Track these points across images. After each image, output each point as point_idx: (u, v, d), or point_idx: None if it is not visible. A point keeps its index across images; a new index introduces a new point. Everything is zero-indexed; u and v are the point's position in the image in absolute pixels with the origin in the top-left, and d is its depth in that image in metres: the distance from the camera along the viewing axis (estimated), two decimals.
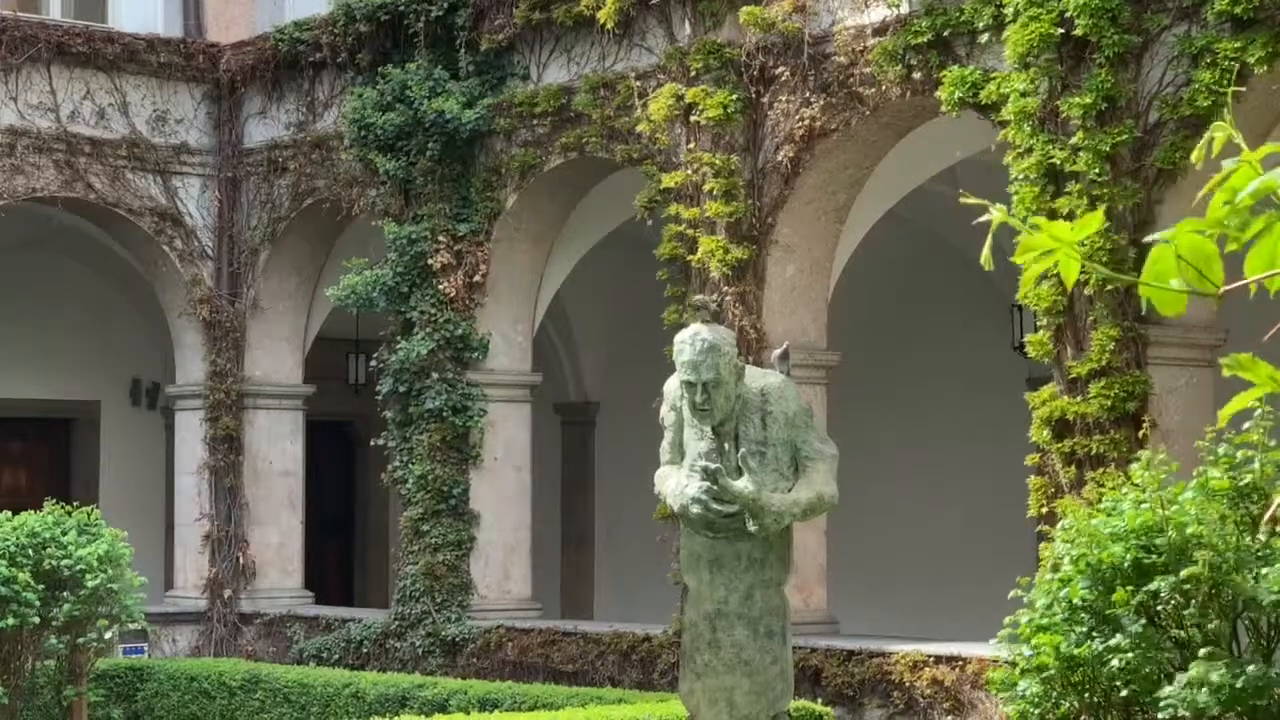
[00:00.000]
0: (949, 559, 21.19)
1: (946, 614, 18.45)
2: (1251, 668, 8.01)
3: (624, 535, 23.72)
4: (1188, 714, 8.09)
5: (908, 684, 14.76)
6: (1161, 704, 8.07)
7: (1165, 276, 2.65)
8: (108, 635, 15.37)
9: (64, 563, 14.92)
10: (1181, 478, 8.98)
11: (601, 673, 16.90)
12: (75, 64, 20.23)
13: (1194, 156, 3.00)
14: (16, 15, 20.41)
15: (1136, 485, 8.73)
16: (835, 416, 16.30)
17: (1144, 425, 13.30)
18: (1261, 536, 7.85)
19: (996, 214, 2.73)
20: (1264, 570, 7.99)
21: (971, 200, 2.84)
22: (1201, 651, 7.98)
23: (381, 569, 25.07)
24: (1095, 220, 2.72)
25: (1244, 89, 12.86)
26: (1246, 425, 8.75)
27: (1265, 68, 12.61)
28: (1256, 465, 8.08)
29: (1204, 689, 7.77)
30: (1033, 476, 13.91)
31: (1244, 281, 2.70)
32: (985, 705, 14.01)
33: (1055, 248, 2.64)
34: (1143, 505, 8.52)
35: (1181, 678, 7.96)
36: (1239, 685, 7.83)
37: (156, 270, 21.30)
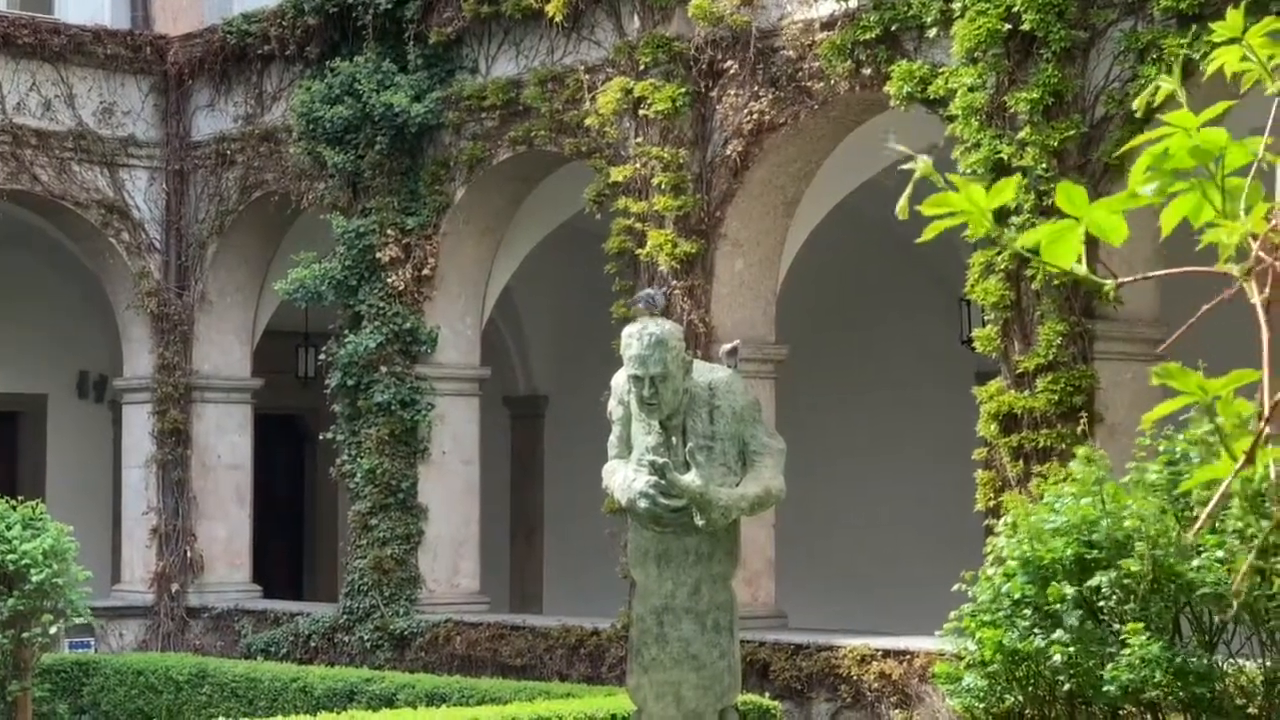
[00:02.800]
0: (897, 553, 21.24)
1: (894, 608, 18.49)
2: (1194, 659, 8.07)
3: (573, 529, 23.72)
4: (1132, 697, 8.15)
5: (855, 678, 14.81)
6: (1105, 682, 8.12)
7: (1067, 249, 2.67)
8: (52, 630, 15.31)
9: (9, 557, 14.88)
10: (1126, 471, 9.03)
11: (550, 667, 16.91)
12: (21, 55, 20.14)
13: (1136, 104, 3.03)
14: None
15: (1077, 480, 8.77)
16: (783, 411, 16.34)
17: (1087, 419, 13.36)
18: (1190, 537, 7.90)
19: (921, 165, 2.76)
20: (1196, 564, 8.04)
21: (897, 148, 2.86)
22: (1144, 636, 8.03)
23: (330, 563, 25.03)
24: (1009, 186, 2.74)
25: (1186, 86, 12.91)
26: (1184, 417, 8.80)
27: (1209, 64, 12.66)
28: (1195, 460, 8.12)
29: (1150, 664, 7.82)
30: (980, 470, 13.97)
31: (1141, 276, 2.73)
32: (932, 699, 14.06)
33: (966, 209, 2.66)
34: (1083, 500, 8.56)
35: (1125, 654, 8.01)
36: (1181, 663, 7.89)
37: (104, 263, 21.23)
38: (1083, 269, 2.63)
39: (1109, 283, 2.68)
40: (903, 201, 2.80)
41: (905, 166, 2.81)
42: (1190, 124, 2.73)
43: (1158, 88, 3.07)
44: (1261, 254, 2.41)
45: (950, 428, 17.99)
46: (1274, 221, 2.47)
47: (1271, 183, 2.68)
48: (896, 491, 21.63)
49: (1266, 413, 2.41)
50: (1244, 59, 2.72)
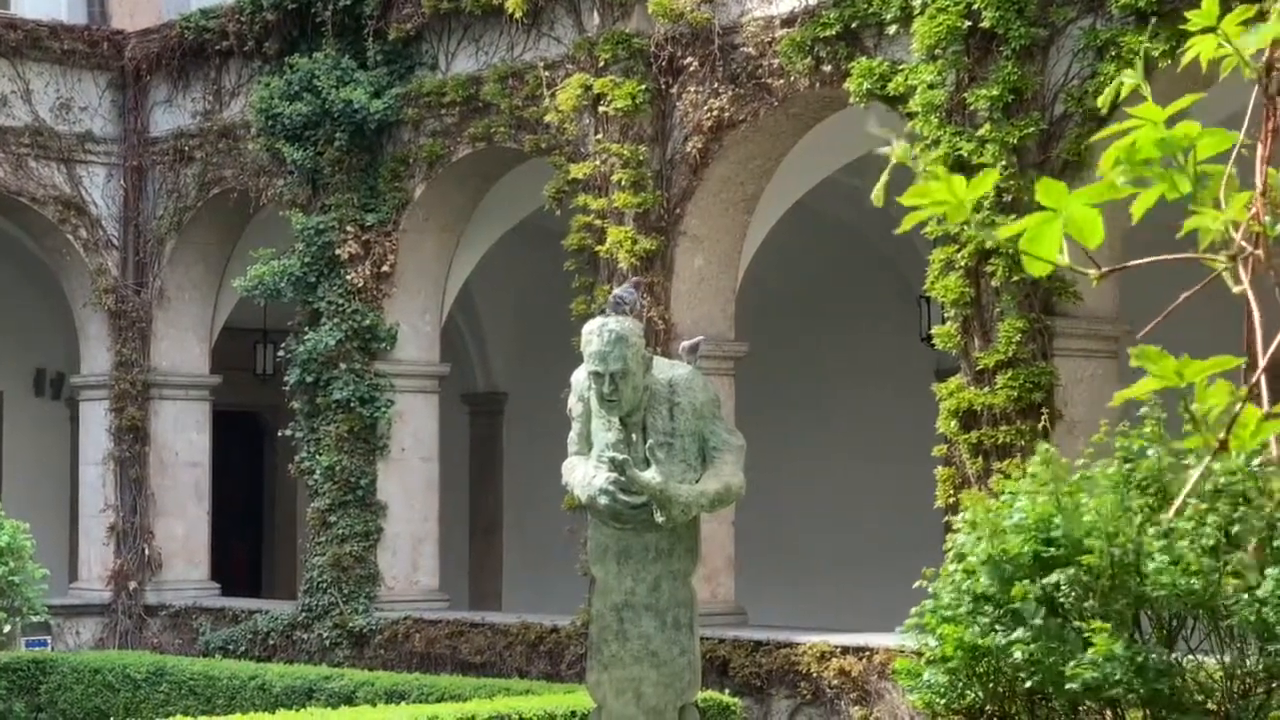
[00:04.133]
0: (857, 549, 21.25)
1: (854, 605, 18.49)
2: (1154, 656, 8.05)
3: (532, 526, 23.67)
4: (1092, 693, 8.13)
5: (815, 674, 14.79)
6: (1066, 679, 8.09)
7: (1047, 243, 2.64)
8: (7, 628, 15.20)
9: None
10: (1086, 468, 9.01)
11: (509, 664, 16.86)
12: None
13: (1100, 101, 3.00)
14: None
15: (1034, 477, 8.75)
16: (743, 407, 16.30)
17: (1047, 416, 13.36)
18: (1160, 527, 7.88)
19: (896, 151, 2.71)
20: (1152, 564, 8.02)
21: (876, 131, 2.81)
22: (1105, 635, 8.01)
23: (289, 560, 24.92)
24: (990, 178, 2.70)
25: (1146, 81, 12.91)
26: (1141, 411, 8.78)
27: (1168, 60, 12.67)
28: (1153, 455, 8.10)
29: (1112, 662, 7.80)
30: (940, 467, 13.96)
31: (1125, 265, 2.70)
32: (892, 695, 14.04)
33: (946, 199, 2.62)
34: (1040, 498, 8.54)
35: (1087, 653, 8.00)
36: (1141, 660, 7.87)
37: (61, 259, 21.09)
38: (1065, 260, 2.59)
39: (1093, 272, 2.64)
40: (879, 188, 2.76)
41: (882, 150, 2.76)
42: (1157, 117, 2.70)
43: (1121, 83, 3.05)
44: (1243, 243, 2.37)
45: (909, 424, 17.98)
46: (1254, 210, 2.43)
47: (1247, 171, 2.65)
48: (856, 488, 21.63)
49: (1263, 393, 2.38)
50: (1220, 46, 2.69)
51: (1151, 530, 8.00)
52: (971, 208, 2.63)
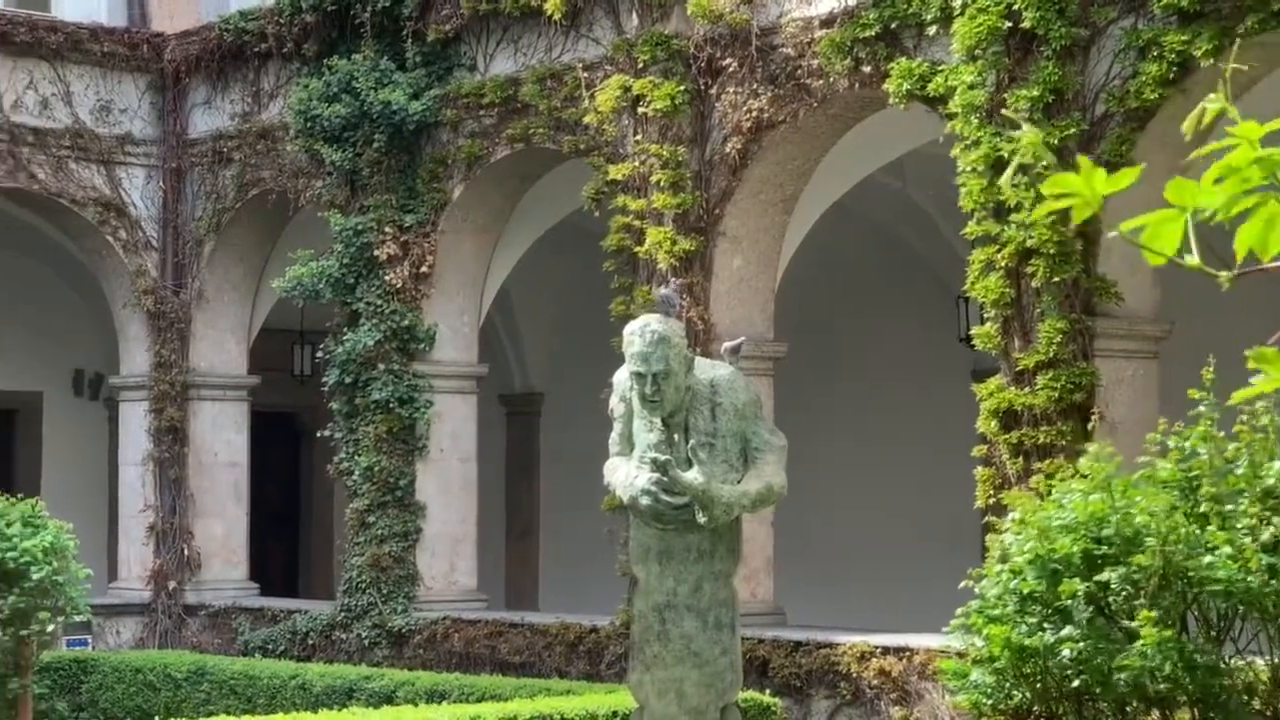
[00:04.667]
0: (895, 550, 21.23)
1: (893, 605, 18.47)
2: (1201, 655, 8.04)
3: (568, 526, 23.68)
4: (1139, 692, 8.12)
5: (855, 675, 14.77)
6: (1114, 674, 8.08)
7: (1168, 238, 2.62)
8: (50, 628, 15.25)
9: (9, 555, 14.80)
10: (1127, 468, 9.00)
11: (548, 664, 16.87)
12: (18, 53, 20.07)
13: (1185, 127, 2.98)
14: None
15: (1084, 477, 8.74)
16: (782, 407, 16.30)
17: (1092, 417, 13.34)
18: (1219, 523, 7.87)
19: (1028, 136, 2.70)
20: (1207, 559, 8.01)
21: (1010, 114, 2.81)
22: (1154, 627, 8.00)
23: (327, 560, 24.97)
24: (1131, 174, 2.68)
25: (1188, 82, 12.89)
26: (1193, 412, 8.77)
27: (1211, 60, 12.64)
28: (1204, 456, 8.10)
29: (1160, 654, 7.79)
30: (980, 467, 13.93)
31: (1263, 267, 2.69)
32: (932, 696, 14.03)
33: (1081, 192, 2.60)
34: (1091, 497, 8.53)
35: (1135, 646, 7.98)
36: (1190, 656, 7.87)
37: (100, 261, 21.17)
38: (1195, 259, 2.58)
39: (1224, 274, 2.63)
40: (1009, 173, 2.75)
41: (1010, 135, 2.74)
42: (1253, 135, 2.68)
43: (1205, 109, 3.00)
44: None
45: (948, 425, 17.97)
46: None
47: None
48: (894, 488, 21.61)
49: None
50: None
51: (1211, 526, 7.98)
52: (1100, 200, 2.61)
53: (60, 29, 20.43)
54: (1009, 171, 2.47)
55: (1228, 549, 8.03)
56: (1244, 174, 2.52)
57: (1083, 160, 2.65)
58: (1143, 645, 7.95)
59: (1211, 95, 2.81)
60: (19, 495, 15.68)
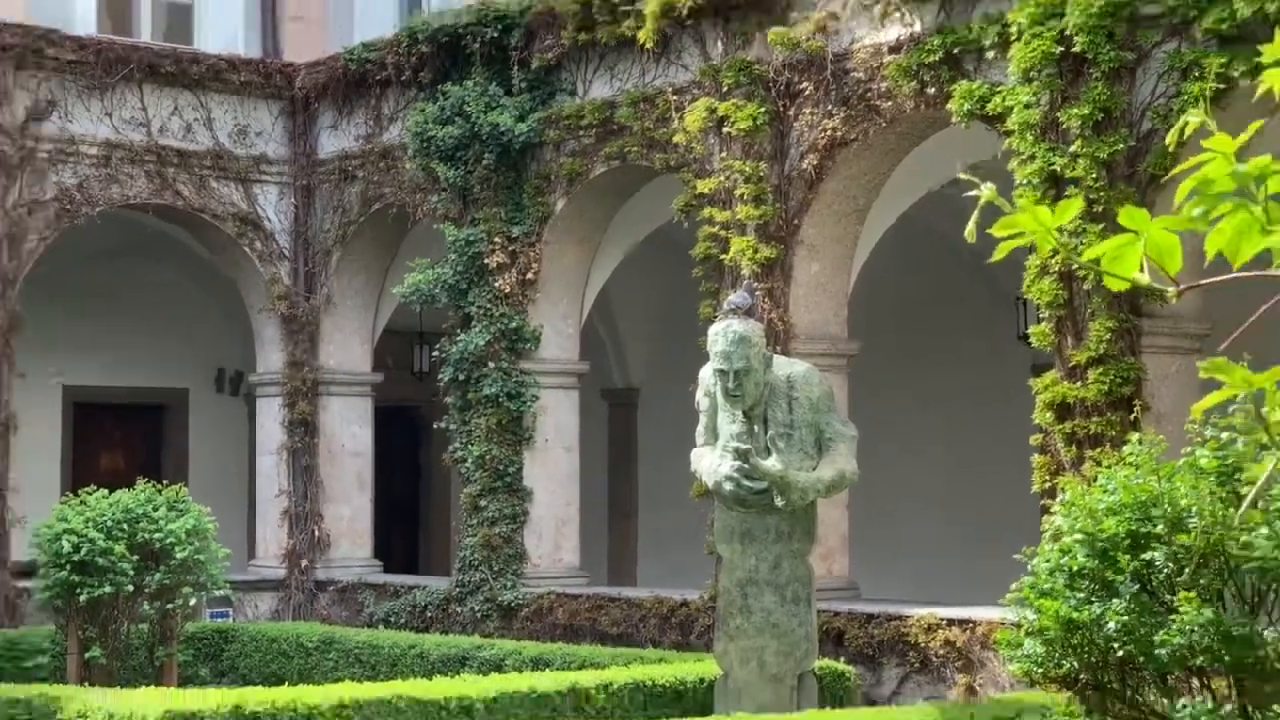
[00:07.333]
0: (959, 530, 21.16)
1: (957, 580, 18.40)
2: (1236, 630, 7.99)
3: (663, 509, 23.72)
4: (1180, 663, 8.08)
5: (923, 645, 14.74)
6: (1157, 647, 8.04)
7: (1128, 263, 2.66)
8: (194, 601, 15.44)
9: (155, 536, 14.99)
10: (1170, 456, 8.95)
11: (643, 634, 16.91)
12: (164, 83, 20.30)
13: (1168, 140, 3.00)
14: (111, 39, 20.51)
15: (1130, 464, 8.70)
16: (855, 401, 16.28)
17: (1137, 408, 13.27)
18: (1241, 512, 7.83)
19: (986, 192, 2.74)
20: (1245, 538, 7.96)
21: (966, 177, 2.85)
22: (1195, 605, 7.96)
23: (444, 541, 25.12)
24: (1073, 207, 2.72)
25: (1227, 100, 12.79)
26: (1233, 408, 8.72)
27: (1249, 80, 12.54)
28: (1240, 445, 8.06)
29: (1200, 629, 7.75)
30: (1036, 455, 13.87)
31: (1206, 282, 2.71)
32: (993, 664, 13.99)
33: (1033, 229, 2.64)
34: (1136, 481, 8.49)
35: (1176, 620, 7.95)
36: (1228, 628, 7.82)
37: (239, 270, 21.38)
38: (1145, 278, 2.61)
39: (1171, 289, 2.65)
40: (970, 225, 2.79)
41: (971, 194, 2.80)
42: (1228, 148, 2.70)
43: (1187, 122, 3.03)
44: None
45: (1008, 416, 17.89)
46: None
47: None
48: (958, 475, 21.54)
49: None
50: None
51: (1234, 513, 7.94)
52: (1056, 233, 2.64)
53: (202, 60, 20.63)
54: (970, 224, 2.52)
55: (1265, 530, 7.97)
56: (1218, 185, 2.54)
57: (1024, 201, 2.68)
58: (1183, 620, 7.91)
59: (1192, 110, 2.83)
60: (167, 483, 15.87)
